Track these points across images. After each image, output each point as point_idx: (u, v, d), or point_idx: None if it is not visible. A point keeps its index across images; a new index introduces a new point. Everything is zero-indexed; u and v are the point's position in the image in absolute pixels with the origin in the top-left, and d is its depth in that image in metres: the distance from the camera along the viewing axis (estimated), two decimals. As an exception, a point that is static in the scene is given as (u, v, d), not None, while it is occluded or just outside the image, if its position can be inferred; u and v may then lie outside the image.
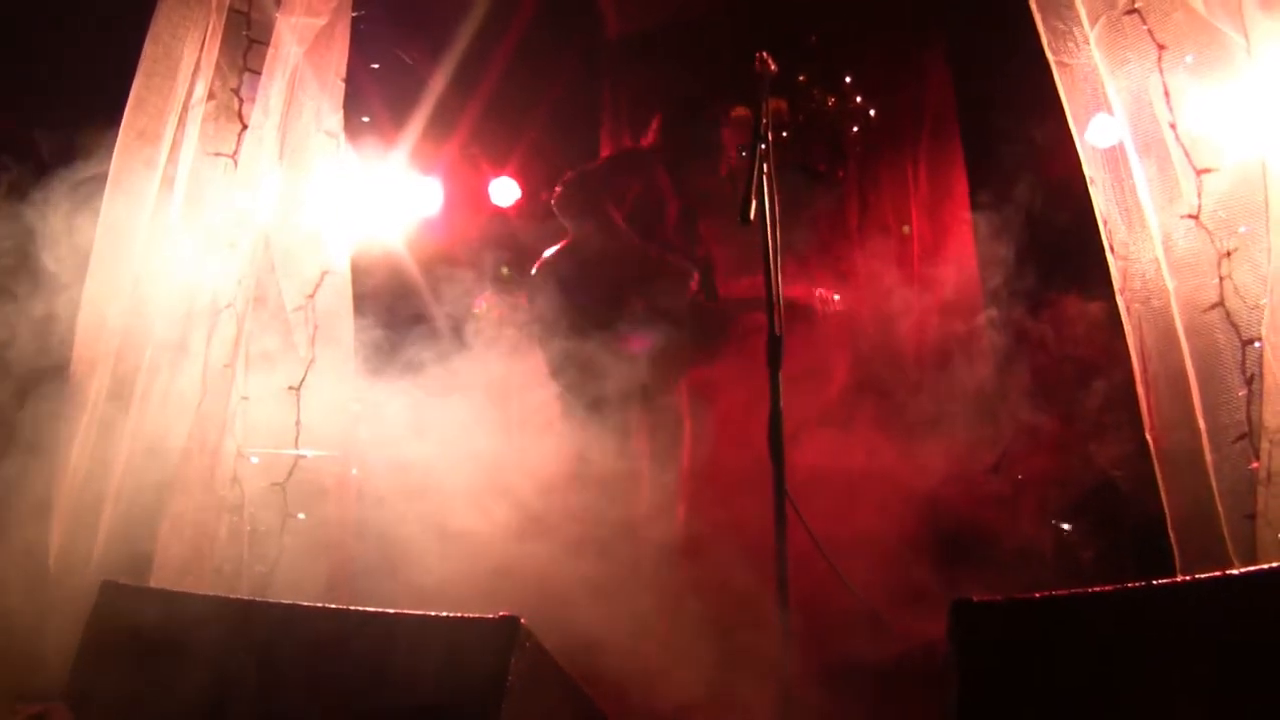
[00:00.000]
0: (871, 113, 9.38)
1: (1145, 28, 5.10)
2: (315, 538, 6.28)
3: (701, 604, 6.78)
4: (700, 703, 6.14)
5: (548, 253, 7.77)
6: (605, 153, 9.85)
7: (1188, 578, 3.94)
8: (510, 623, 4.28)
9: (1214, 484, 4.92)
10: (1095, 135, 5.48)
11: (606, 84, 10.05)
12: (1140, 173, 5.17)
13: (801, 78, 9.38)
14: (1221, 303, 4.92)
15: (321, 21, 6.38)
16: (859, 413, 7.98)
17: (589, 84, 10.09)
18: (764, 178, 5.56)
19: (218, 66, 6.20)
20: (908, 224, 9.06)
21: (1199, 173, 4.97)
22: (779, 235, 5.53)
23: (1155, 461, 5.26)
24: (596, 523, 6.92)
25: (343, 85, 6.50)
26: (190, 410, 5.98)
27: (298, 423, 6.22)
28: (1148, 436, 5.28)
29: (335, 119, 6.49)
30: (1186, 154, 5.01)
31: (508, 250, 9.79)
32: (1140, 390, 5.32)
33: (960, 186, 8.90)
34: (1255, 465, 4.81)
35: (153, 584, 5.63)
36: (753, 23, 9.20)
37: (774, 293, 5.46)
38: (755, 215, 5.40)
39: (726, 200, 7.53)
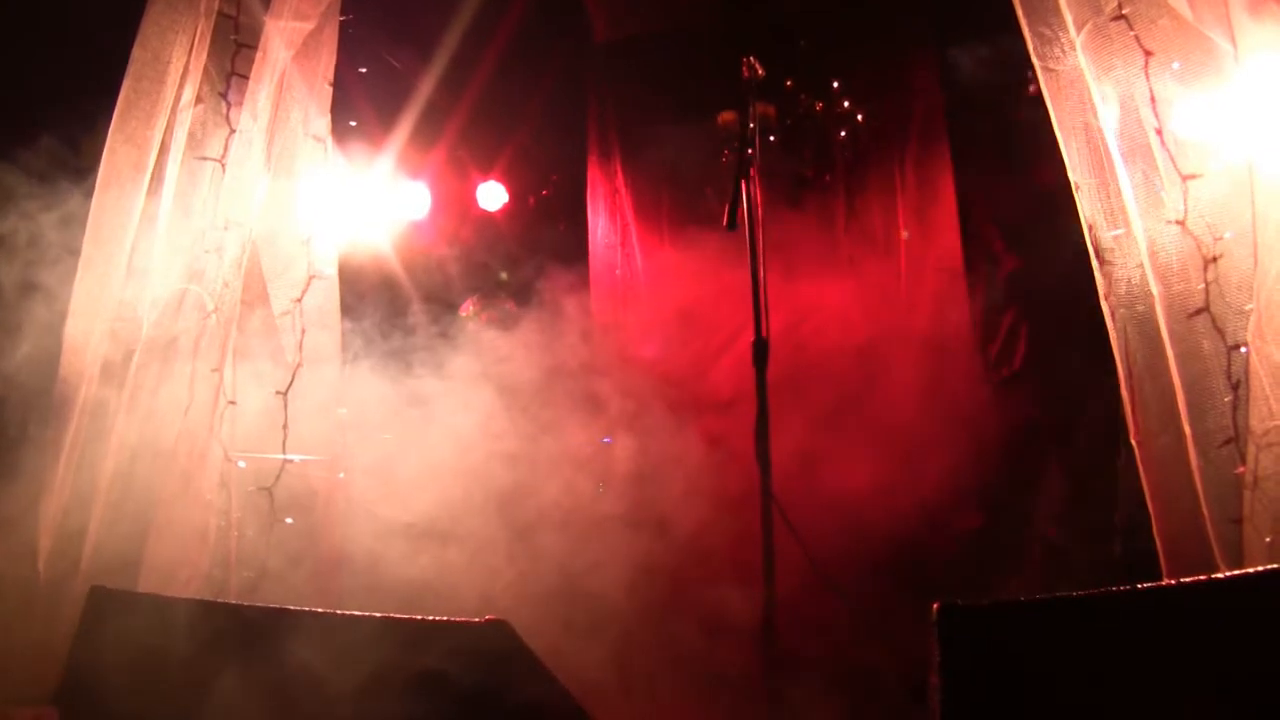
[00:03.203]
0: (859, 117, 9.38)
1: (1132, 34, 5.10)
2: (303, 542, 6.27)
3: (690, 609, 6.80)
4: (687, 706, 6.17)
5: None
6: (592, 158, 9.85)
7: (1173, 582, 3.95)
8: (499, 626, 4.29)
9: (1200, 488, 4.92)
10: (1081, 141, 5.48)
11: (593, 89, 10.03)
12: (1126, 178, 5.17)
13: (789, 83, 9.37)
14: (1207, 308, 4.92)
15: (309, 26, 6.37)
16: (845, 418, 7.98)
17: (576, 88, 10.07)
18: (750, 183, 5.57)
19: (205, 71, 6.19)
20: (907, 229, 9.03)
21: (1185, 179, 4.98)
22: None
23: (1140, 466, 5.26)
24: (587, 524, 6.94)
25: (330, 89, 6.49)
26: (177, 415, 5.98)
27: (285, 427, 6.22)
28: (1133, 441, 5.29)
29: (323, 123, 6.49)
30: (1172, 160, 5.01)
31: (496, 254, 9.80)
32: (1125, 395, 5.31)
33: (948, 190, 8.88)
34: (1241, 470, 4.81)
35: (141, 589, 5.63)
36: (740, 28, 9.20)
37: (759, 297, 5.47)
38: (741, 220, 5.42)
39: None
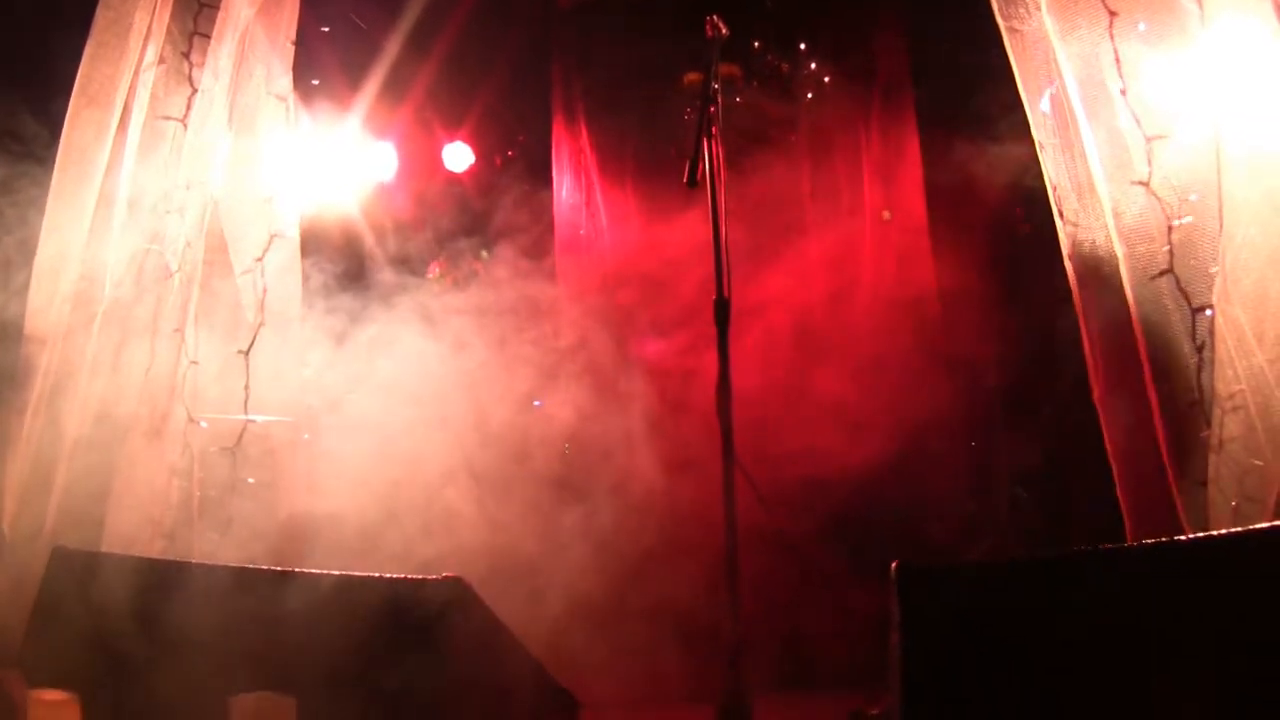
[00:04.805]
0: (825, 78, 9.35)
1: (1097, -7, 5.10)
2: (266, 502, 6.27)
3: (649, 570, 6.82)
4: (646, 666, 6.19)
5: None
6: (557, 118, 9.81)
7: (1136, 544, 3.96)
8: (455, 583, 4.30)
9: (1164, 451, 4.93)
10: (1045, 101, 5.47)
11: (558, 48, 9.98)
12: (1090, 139, 5.16)
13: (755, 43, 9.34)
14: (1171, 270, 4.92)
15: (272, -18, 6.35)
16: (808, 377, 7.98)
17: (542, 48, 10.01)
18: (712, 141, 5.55)
19: (168, 30, 6.16)
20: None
21: (1149, 140, 4.98)
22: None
23: (1104, 428, 5.27)
24: (546, 484, 6.95)
25: (293, 48, 6.46)
26: (139, 376, 5.96)
27: (247, 387, 6.21)
28: (1095, 402, 5.29)
29: (285, 81, 6.45)
30: (1137, 121, 5.00)
31: (462, 215, 9.77)
32: (1088, 356, 5.32)
33: (913, 151, 8.87)
34: (1206, 433, 4.82)
35: (104, 549, 5.61)
36: (706, -14, 9.16)
37: (721, 255, 5.45)
38: (702, 178, 5.41)
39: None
